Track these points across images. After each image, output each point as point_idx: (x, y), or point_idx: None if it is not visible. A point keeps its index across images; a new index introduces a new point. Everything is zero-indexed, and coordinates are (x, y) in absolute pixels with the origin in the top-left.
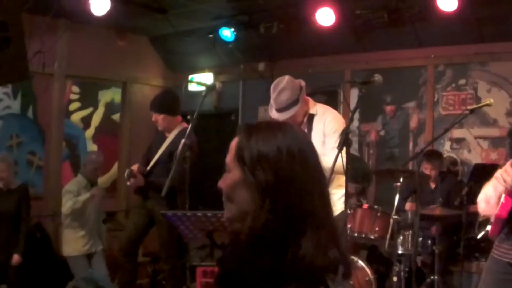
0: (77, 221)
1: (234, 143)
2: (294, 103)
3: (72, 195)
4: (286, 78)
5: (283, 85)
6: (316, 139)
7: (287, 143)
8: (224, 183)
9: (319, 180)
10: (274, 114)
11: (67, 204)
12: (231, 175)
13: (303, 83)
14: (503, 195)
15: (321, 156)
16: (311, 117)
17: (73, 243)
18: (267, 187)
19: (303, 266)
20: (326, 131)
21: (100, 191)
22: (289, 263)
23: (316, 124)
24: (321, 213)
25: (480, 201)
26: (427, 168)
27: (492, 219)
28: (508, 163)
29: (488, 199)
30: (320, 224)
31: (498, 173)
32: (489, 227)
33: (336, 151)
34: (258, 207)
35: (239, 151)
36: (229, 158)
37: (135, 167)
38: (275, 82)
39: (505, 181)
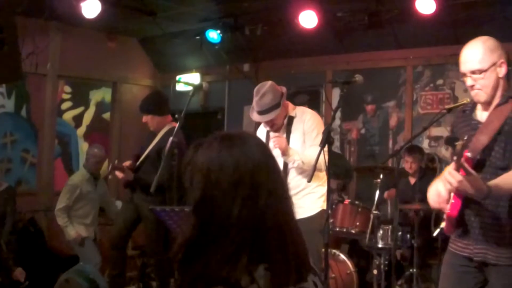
0: (77, 214)
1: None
2: (275, 106)
3: (71, 194)
4: (269, 83)
5: (265, 89)
6: (296, 139)
7: (228, 159)
8: None
9: (270, 192)
10: (255, 117)
11: (61, 203)
12: None
13: (284, 89)
14: (452, 194)
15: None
16: (290, 119)
17: (81, 227)
18: (196, 203)
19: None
20: (305, 129)
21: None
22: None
23: (296, 124)
24: (262, 223)
25: (430, 195)
26: (408, 161)
27: (445, 216)
28: (452, 166)
29: (439, 192)
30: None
31: (446, 172)
32: (443, 224)
33: (316, 147)
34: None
35: (183, 167)
36: None
37: (127, 163)
38: (258, 86)
39: (450, 183)
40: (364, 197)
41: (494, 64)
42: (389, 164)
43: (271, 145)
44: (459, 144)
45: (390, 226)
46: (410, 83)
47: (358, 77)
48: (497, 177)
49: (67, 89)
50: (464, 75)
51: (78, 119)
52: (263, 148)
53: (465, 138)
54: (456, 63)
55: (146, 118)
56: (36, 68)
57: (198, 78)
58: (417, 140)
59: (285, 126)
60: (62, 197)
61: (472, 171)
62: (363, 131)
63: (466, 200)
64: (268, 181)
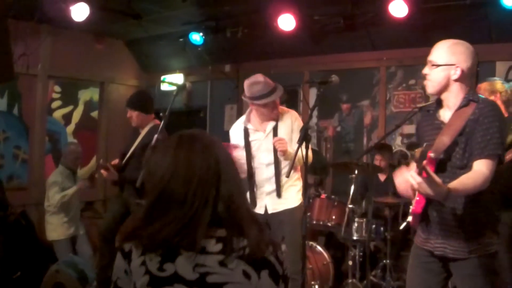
0: (61, 208)
1: None
2: (267, 94)
3: (58, 187)
4: (261, 75)
5: (257, 80)
6: (282, 135)
7: (174, 160)
8: None
9: (227, 189)
10: (261, 101)
11: (55, 197)
12: None
13: (280, 87)
14: (417, 192)
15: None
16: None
17: (58, 228)
18: (150, 203)
19: None
20: (294, 128)
21: (85, 182)
22: None
23: (282, 120)
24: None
25: (398, 183)
26: (377, 159)
27: (410, 212)
28: (414, 170)
29: (406, 179)
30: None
31: (408, 175)
32: (410, 218)
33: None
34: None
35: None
36: None
37: (115, 162)
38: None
39: (412, 185)
40: (340, 191)
41: (449, 65)
42: (364, 160)
43: (256, 144)
44: (418, 150)
45: (365, 219)
46: (384, 83)
47: (334, 78)
48: (456, 176)
49: (57, 88)
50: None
51: (67, 118)
52: (218, 146)
53: (425, 145)
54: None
55: (130, 114)
56: (28, 68)
57: (182, 78)
58: (390, 137)
59: (275, 121)
60: (51, 194)
61: (433, 175)
62: (338, 128)
63: (429, 198)
64: (224, 178)
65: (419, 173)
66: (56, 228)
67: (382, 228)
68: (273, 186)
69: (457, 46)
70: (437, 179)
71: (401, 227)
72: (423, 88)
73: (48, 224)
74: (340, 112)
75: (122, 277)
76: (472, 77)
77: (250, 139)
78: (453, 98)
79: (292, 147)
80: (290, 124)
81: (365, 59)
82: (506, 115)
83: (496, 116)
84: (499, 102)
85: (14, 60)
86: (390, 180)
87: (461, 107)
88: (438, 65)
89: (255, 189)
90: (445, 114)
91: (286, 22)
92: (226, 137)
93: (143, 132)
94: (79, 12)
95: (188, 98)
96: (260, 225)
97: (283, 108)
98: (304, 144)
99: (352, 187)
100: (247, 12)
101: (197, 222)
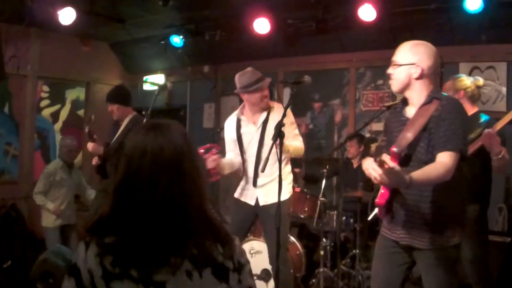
0: (53, 198)
1: None
2: (254, 83)
3: (47, 180)
4: (250, 68)
5: (245, 71)
6: (271, 128)
7: (144, 143)
8: None
9: (192, 176)
10: (248, 90)
11: (39, 186)
12: None
13: (269, 79)
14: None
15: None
16: (270, 110)
17: (49, 216)
18: (116, 185)
19: None
20: (286, 122)
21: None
22: None
23: (274, 115)
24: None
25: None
26: (352, 146)
27: (375, 202)
28: (376, 162)
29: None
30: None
31: (370, 168)
32: (377, 209)
33: (300, 138)
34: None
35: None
36: None
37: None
38: (242, 73)
39: (374, 178)
40: (312, 185)
41: (410, 64)
42: (334, 155)
43: (248, 136)
44: (373, 145)
45: (335, 212)
46: (353, 83)
47: (307, 78)
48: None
49: (46, 88)
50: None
51: (55, 116)
52: (186, 136)
53: (380, 140)
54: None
55: (111, 108)
56: (18, 69)
57: (163, 79)
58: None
59: (266, 115)
60: (39, 182)
61: (393, 165)
62: (311, 126)
63: (393, 190)
64: (190, 166)
65: (380, 165)
66: (47, 216)
67: (351, 220)
68: (265, 179)
69: (418, 46)
70: (398, 168)
71: (369, 217)
72: (390, 87)
73: (43, 212)
74: (312, 110)
75: (80, 264)
76: (436, 76)
77: (242, 131)
78: (417, 95)
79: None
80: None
81: (335, 61)
82: (474, 110)
83: (459, 113)
84: (465, 99)
85: (5, 62)
86: (360, 168)
87: (424, 104)
88: (400, 65)
89: (247, 181)
90: (410, 111)
91: (262, 25)
92: (205, 134)
93: (124, 123)
94: (66, 16)
95: (169, 97)
96: (213, 225)
97: (275, 103)
98: (278, 140)
99: (324, 181)
100: (225, 16)
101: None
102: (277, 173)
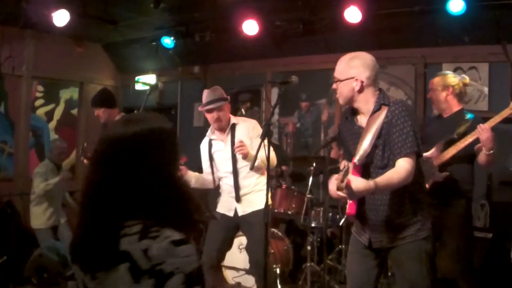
0: (45, 198)
1: None
2: (222, 99)
3: (42, 178)
4: (218, 87)
5: (214, 88)
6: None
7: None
8: None
9: (168, 163)
10: (206, 107)
11: (40, 186)
12: None
13: (223, 102)
14: None
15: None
16: (233, 125)
17: (40, 217)
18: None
19: None
20: (251, 135)
21: (68, 174)
22: None
23: (240, 130)
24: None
25: (330, 190)
26: (333, 148)
27: (346, 213)
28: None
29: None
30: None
31: (335, 194)
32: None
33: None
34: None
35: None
36: None
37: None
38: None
39: (342, 197)
40: (299, 182)
41: (349, 79)
42: (321, 153)
43: (219, 154)
44: (340, 173)
45: (322, 208)
46: None
47: (294, 78)
48: (379, 175)
49: (40, 88)
50: None
51: (49, 115)
52: (163, 126)
53: (345, 168)
54: (379, 66)
55: (97, 112)
56: (13, 70)
57: (154, 79)
58: None
59: (229, 130)
60: (36, 181)
61: (355, 180)
62: (298, 125)
63: (360, 199)
64: (166, 153)
65: (343, 184)
66: (38, 217)
67: (338, 216)
68: (243, 190)
69: (353, 60)
70: (360, 180)
71: (341, 222)
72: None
73: (32, 213)
74: (299, 109)
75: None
76: (376, 82)
77: (213, 150)
78: (364, 105)
79: (251, 152)
80: (247, 132)
81: (322, 61)
82: (459, 107)
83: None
84: (452, 96)
85: (1, 63)
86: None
87: (374, 111)
88: (340, 81)
89: (225, 195)
90: (362, 120)
91: (250, 27)
92: (195, 132)
93: None
94: (60, 18)
95: (160, 96)
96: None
97: (242, 118)
98: (266, 139)
99: (311, 178)
100: (214, 18)
101: None
102: (253, 184)
